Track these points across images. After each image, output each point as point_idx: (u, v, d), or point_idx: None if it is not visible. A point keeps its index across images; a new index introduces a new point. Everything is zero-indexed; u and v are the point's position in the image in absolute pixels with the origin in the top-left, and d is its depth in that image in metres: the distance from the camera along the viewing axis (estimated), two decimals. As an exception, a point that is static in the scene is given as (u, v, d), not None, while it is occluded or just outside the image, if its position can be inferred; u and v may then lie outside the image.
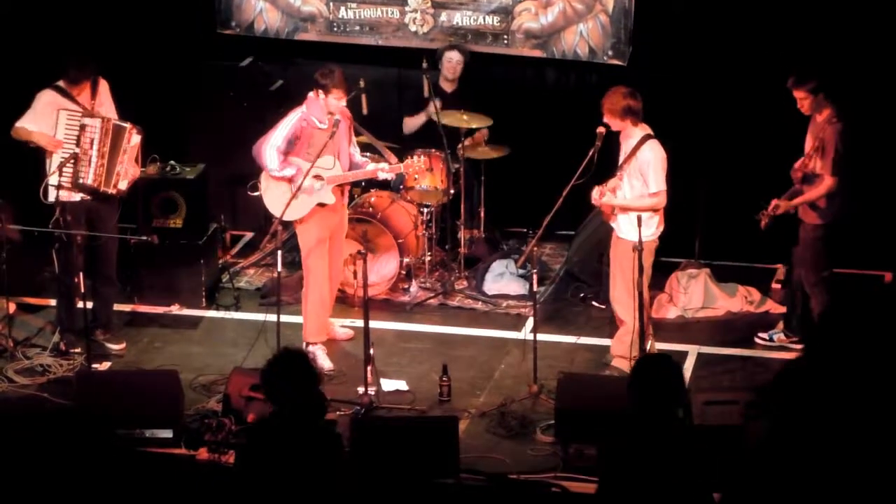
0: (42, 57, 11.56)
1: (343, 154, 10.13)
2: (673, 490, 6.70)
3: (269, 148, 9.98)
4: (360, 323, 9.81)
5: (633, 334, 9.63)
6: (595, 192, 9.76)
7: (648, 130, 9.73)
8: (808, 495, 6.55)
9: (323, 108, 9.99)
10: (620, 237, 9.82)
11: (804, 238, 10.18)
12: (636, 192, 9.68)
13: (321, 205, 10.06)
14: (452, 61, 11.87)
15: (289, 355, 7.10)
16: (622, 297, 9.87)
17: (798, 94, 9.97)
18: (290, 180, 9.97)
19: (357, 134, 10.63)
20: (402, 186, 11.57)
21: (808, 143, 10.10)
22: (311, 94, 10.05)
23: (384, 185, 11.66)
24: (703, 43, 11.64)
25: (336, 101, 9.97)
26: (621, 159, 9.75)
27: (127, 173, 10.23)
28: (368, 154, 10.87)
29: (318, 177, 9.98)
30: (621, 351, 9.93)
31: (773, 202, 10.03)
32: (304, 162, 9.96)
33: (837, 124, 9.93)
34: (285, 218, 9.94)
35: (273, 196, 10.11)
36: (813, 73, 9.98)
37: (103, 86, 10.25)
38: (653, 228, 9.70)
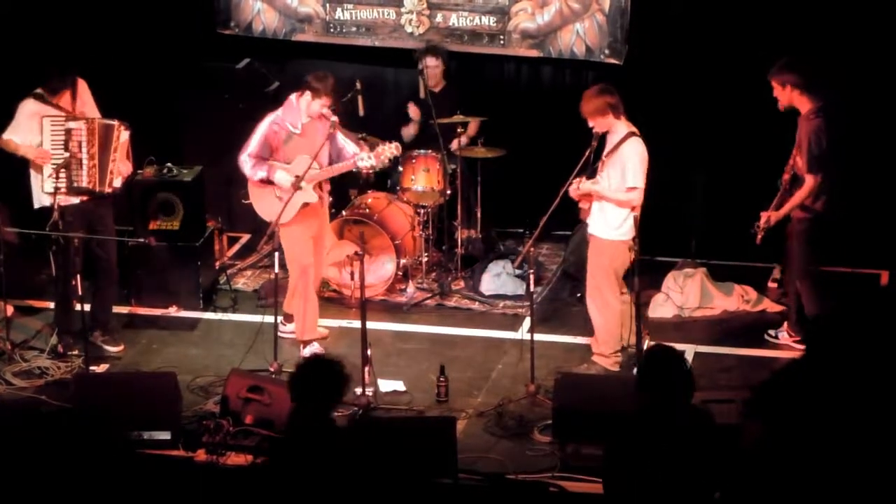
0: (39, 57, 11.55)
1: (322, 154, 10.09)
2: (677, 488, 6.72)
3: (245, 156, 10.08)
4: (357, 324, 9.82)
5: (631, 335, 9.62)
6: (573, 186, 9.75)
7: (633, 129, 9.72)
8: (805, 494, 6.57)
9: (300, 111, 10.05)
10: (591, 233, 9.84)
11: (789, 232, 10.17)
12: (613, 186, 9.69)
13: (306, 204, 10.07)
14: (429, 66, 11.84)
15: (322, 362, 7.25)
16: (590, 294, 9.90)
17: (774, 87, 9.90)
18: (267, 182, 10.02)
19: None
20: (398, 187, 11.58)
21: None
22: (291, 97, 10.09)
23: (381, 185, 11.69)
24: (699, 42, 11.64)
25: (319, 108, 10.02)
26: (604, 154, 9.76)
27: (119, 171, 10.23)
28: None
29: (297, 177, 9.98)
30: (598, 349, 9.98)
31: (764, 216, 9.99)
32: (276, 161, 10.02)
33: (815, 120, 9.82)
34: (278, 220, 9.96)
35: (263, 204, 10.16)
36: (792, 68, 9.84)
37: (82, 86, 10.18)
38: (624, 228, 9.69)
